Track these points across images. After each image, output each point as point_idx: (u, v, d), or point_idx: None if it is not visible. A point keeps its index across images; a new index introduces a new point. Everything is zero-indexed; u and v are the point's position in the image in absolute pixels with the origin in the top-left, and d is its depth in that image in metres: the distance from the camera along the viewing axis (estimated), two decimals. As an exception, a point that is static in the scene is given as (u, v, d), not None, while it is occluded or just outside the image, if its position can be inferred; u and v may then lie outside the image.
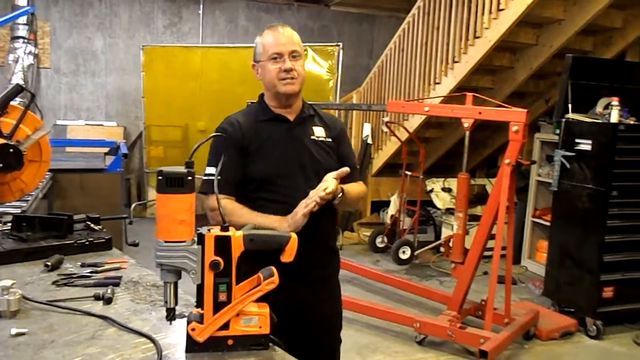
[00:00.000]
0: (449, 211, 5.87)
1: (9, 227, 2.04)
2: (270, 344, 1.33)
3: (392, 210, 6.18)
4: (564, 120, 4.29)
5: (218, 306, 1.28)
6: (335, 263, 2.12)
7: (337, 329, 2.15)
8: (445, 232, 5.89)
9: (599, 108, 4.34)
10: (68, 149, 6.10)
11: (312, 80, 6.14)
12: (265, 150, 1.90)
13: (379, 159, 6.68)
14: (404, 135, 5.87)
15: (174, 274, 1.28)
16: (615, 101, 4.09)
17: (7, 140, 2.06)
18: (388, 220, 6.22)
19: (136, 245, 2.09)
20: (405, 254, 5.73)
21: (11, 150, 2.06)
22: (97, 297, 1.57)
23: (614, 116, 4.07)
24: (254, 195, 1.89)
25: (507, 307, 3.82)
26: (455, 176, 4.54)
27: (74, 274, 1.77)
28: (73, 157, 5.32)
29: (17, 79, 6.23)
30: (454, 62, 5.26)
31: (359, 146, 6.68)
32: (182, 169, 1.26)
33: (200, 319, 1.28)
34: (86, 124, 7.39)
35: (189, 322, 1.28)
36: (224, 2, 8.07)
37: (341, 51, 6.47)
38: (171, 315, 1.31)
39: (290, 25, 1.99)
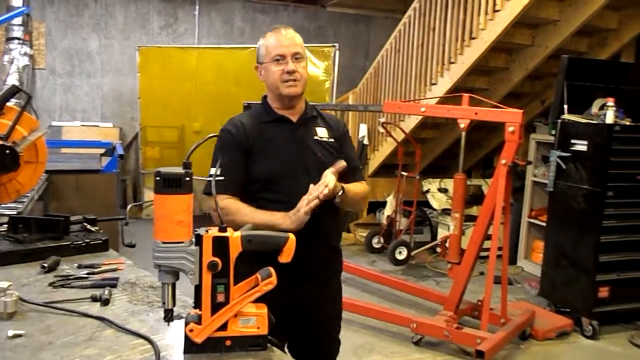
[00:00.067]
0: (445, 212, 5.88)
1: (5, 229, 2.03)
2: (269, 345, 1.33)
3: (388, 210, 6.18)
4: (559, 121, 4.31)
5: (216, 307, 1.28)
6: (337, 263, 2.13)
7: (337, 330, 2.15)
8: (442, 233, 5.89)
9: (594, 109, 4.36)
10: (63, 150, 6.08)
11: (308, 81, 6.10)
12: (268, 151, 1.91)
13: (375, 160, 6.69)
14: (400, 136, 5.87)
15: (172, 275, 1.28)
16: (610, 102, 4.11)
17: (3, 141, 2.05)
18: (384, 221, 6.22)
19: (133, 246, 2.09)
20: (401, 254, 5.73)
21: (7, 151, 2.05)
22: (94, 299, 1.57)
23: (610, 117, 4.08)
24: (257, 195, 1.90)
25: (503, 307, 3.83)
26: (451, 177, 4.55)
27: (71, 275, 1.76)
28: (69, 158, 5.30)
29: (13, 80, 6.22)
30: (450, 62, 5.28)
31: (355, 147, 6.69)
32: (179, 169, 1.26)
33: (198, 320, 1.28)
34: (82, 125, 7.37)
35: (187, 323, 1.28)
36: (219, 3, 8.07)
37: (337, 52, 6.47)
38: (169, 317, 1.31)
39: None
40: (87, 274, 1.78)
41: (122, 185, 7.43)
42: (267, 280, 1.32)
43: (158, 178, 1.23)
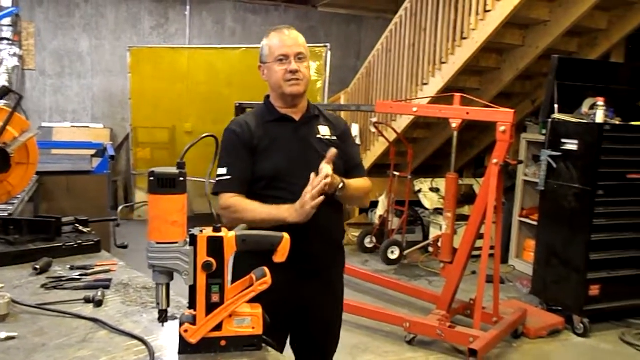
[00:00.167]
0: (437, 211, 5.90)
1: (-4, 231, 2.02)
2: (263, 345, 1.33)
3: (380, 210, 6.19)
4: (550, 120, 4.33)
5: (211, 307, 1.28)
6: (340, 260, 2.15)
7: (338, 329, 2.18)
8: (433, 232, 5.92)
9: (584, 108, 4.39)
10: (54, 151, 6.05)
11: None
12: (272, 150, 1.94)
13: (367, 160, 6.69)
14: (392, 136, 5.89)
15: (166, 276, 1.28)
16: (600, 101, 4.14)
17: (-6, 142, 2.03)
18: (376, 221, 6.23)
19: (125, 247, 2.08)
20: (394, 254, 5.75)
21: (-2, 152, 2.03)
22: (87, 300, 1.56)
23: (600, 116, 4.11)
24: (262, 193, 1.92)
25: (495, 306, 3.85)
26: (443, 176, 4.57)
27: (63, 277, 1.75)
28: (59, 160, 5.27)
29: (2, 81, 6.15)
30: (442, 62, 5.30)
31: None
32: (173, 169, 1.25)
33: (193, 321, 1.27)
34: (72, 126, 7.33)
35: (181, 324, 1.28)
36: (210, 3, 8.05)
37: (329, 52, 6.48)
38: (163, 317, 1.30)
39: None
40: (80, 275, 1.77)
41: (113, 187, 7.39)
42: (262, 280, 1.32)
43: (152, 178, 1.23)
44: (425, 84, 5.52)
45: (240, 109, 4.93)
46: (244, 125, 1.97)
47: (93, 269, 1.84)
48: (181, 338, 1.27)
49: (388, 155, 5.90)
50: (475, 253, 3.95)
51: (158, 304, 1.30)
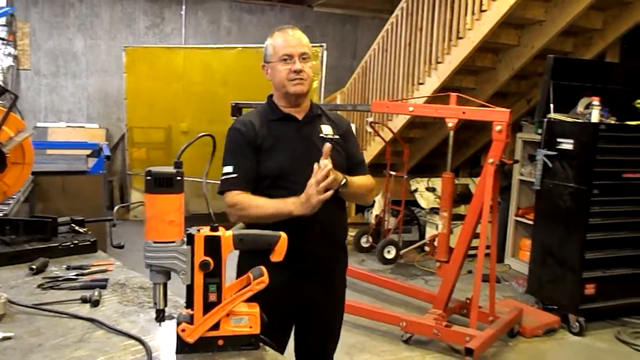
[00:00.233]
0: (433, 210, 5.91)
1: (-8, 231, 2.01)
2: (261, 344, 1.33)
3: (376, 210, 6.20)
4: (545, 120, 4.35)
5: (208, 306, 1.27)
6: (343, 261, 2.17)
7: (339, 331, 2.19)
8: (430, 232, 5.93)
9: (580, 108, 4.40)
10: (49, 151, 6.03)
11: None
12: (276, 149, 1.95)
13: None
14: (388, 136, 5.89)
15: (163, 275, 1.28)
16: (596, 101, 4.15)
17: (-11, 142, 2.02)
18: (373, 220, 6.24)
19: (121, 247, 2.08)
20: (390, 253, 5.75)
21: (-6, 152, 2.02)
22: (84, 300, 1.56)
23: (595, 116, 4.13)
24: (266, 192, 1.93)
25: (491, 305, 3.86)
26: (439, 176, 4.57)
27: (60, 277, 1.75)
28: (54, 160, 5.26)
29: (-3, 80, 6.14)
30: (437, 62, 5.31)
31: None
32: (170, 169, 1.25)
33: (190, 320, 1.27)
34: (67, 126, 7.30)
35: (178, 323, 1.27)
36: (206, 2, 8.04)
37: (325, 52, 6.47)
38: (161, 317, 1.30)
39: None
40: (76, 275, 1.77)
41: (109, 187, 7.37)
42: (259, 280, 1.32)
43: (149, 177, 1.23)
44: (422, 84, 5.53)
45: (236, 109, 4.93)
46: (248, 124, 1.98)
47: (89, 269, 1.84)
48: (178, 337, 1.27)
49: (384, 155, 5.91)
50: (471, 252, 3.96)
51: (155, 303, 1.29)
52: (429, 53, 5.40)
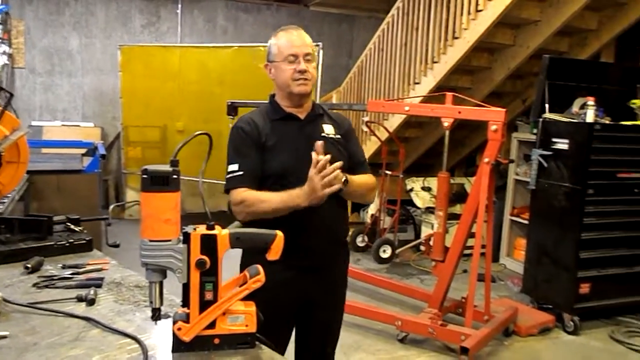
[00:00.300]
0: (429, 210, 5.92)
1: (-13, 230, 2.00)
2: (257, 343, 1.33)
3: (372, 209, 6.21)
4: (541, 119, 4.35)
5: (204, 305, 1.27)
6: (345, 258, 2.19)
7: (338, 330, 2.21)
8: (425, 231, 5.93)
9: (575, 108, 4.41)
10: (44, 150, 6.00)
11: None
12: (279, 148, 1.96)
13: (359, 159, 6.69)
14: (383, 135, 5.89)
15: (159, 274, 1.28)
16: (590, 101, 4.17)
17: (-16, 140, 2.01)
18: (368, 220, 6.25)
19: (117, 246, 2.08)
20: (385, 252, 5.76)
21: (-11, 150, 2.02)
22: (79, 299, 1.56)
23: (590, 116, 4.14)
24: (269, 190, 1.93)
25: (487, 304, 3.87)
26: (434, 175, 4.58)
27: (55, 275, 1.74)
28: (49, 159, 5.23)
29: (-9, 79, 6.12)
30: (433, 62, 5.31)
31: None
32: (167, 167, 1.25)
33: (186, 319, 1.27)
34: (62, 125, 7.27)
35: (174, 322, 1.27)
36: (202, 1, 8.02)
37: (321, 51, 6.47)
38: (157, 315, 1.30)
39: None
40: (72, 274, 1.77)
41: (104, 186, 7.35)
42: (255, 278, 1.32)
43: (145, 176, 1.23)
44: (417, 83, 5.54)
45: (232, 108, 4.93)
46: (252, 123, 1.99)
47: (85, 267, 1.84)
48: (174, 336, 1.27)
49: (380, 154, 5.91)
50: (466, 252, 3.97)
51: (151, 302, 1.30)
52: (425, 52, 5.41)
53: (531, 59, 5.15)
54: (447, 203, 4.02)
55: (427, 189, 6.17)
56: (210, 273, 1.27)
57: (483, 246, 3.82)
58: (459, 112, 3.72)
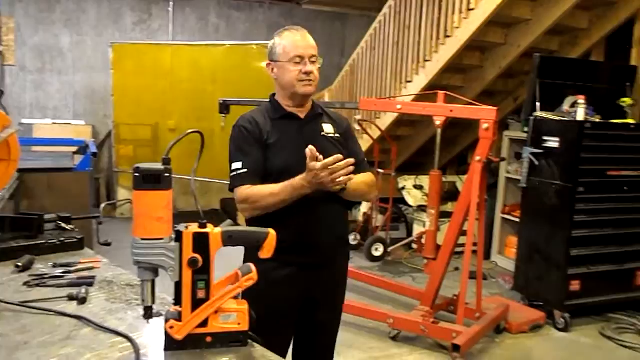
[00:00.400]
0: (421, 208, 5.94)
1: (-23, 228, 1.99)
2: (249, 341, 1.33)
3: (364, 207, 6.21)
4: (532, 118, 4.38)
5: (196, 303, 1.27)
6: (345, 255, 2.19)
7: (337, 328, 2.22)
8: (417, 229, 5.95)
9: (565, 106, 4.44)
10: (35, 148, 5.95)
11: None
12: (279, 147, 1.97)
13: (351, 157, 6.70)
14: (375, 133, 5.90)
15: (151, 272, 1.27)
16: (581, 99, 4.20)
17: (-26, 138, 2.00)
18: (360, 218, 6.26)
19: (108, 245, 2.07)
20: (378, 251, 5.77)
21: (-22, 148, 2.00)
22: (71, 297, 1.55)
23: (580, 114, 4.17)
24: None
25: (478, 301, 3.89)
26: (426, 173, 4.59)
27: (46, 274, 1.73)
28: (40, 157, 5.20)
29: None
30: (425, 60, 5.33)
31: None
32: (159, 165, 1.25)
33: (179, 317, 1.27)
34: (53, 123, 7.22)
35: (166, 320, 1.27)
36: (194, -1, 8.00)
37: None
38: (149, 314, 1.30)
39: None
40: (63, 272, 1.76)
41: (95, 184, 7.32)
42: (248, 276, 1.32)
43: (137, 174, 1.22)
44: (409, 82, 5.55)
45: (224, 106, 4.91)
46: (252, 121, 2.00)
47: (76, 266, 1.83)
48: (167, 334, 1.27)
49: (372, 153, 5.92)
50: (458, 249, 3.99)
51: (143, 300, 1.29)
52: (417, 51, 5.42)
53: (522, 57, 5.18)
54: (439, 201, 4.04)
55: (419, 187, 6.19)
56: (202, 271, 1.27)
57: (474, 244, 3.84)
58: (451, 111, 3.73)
